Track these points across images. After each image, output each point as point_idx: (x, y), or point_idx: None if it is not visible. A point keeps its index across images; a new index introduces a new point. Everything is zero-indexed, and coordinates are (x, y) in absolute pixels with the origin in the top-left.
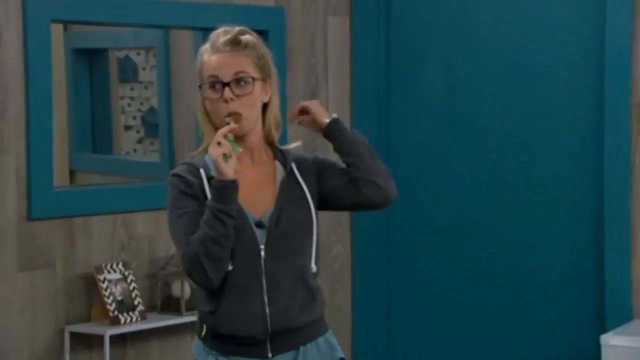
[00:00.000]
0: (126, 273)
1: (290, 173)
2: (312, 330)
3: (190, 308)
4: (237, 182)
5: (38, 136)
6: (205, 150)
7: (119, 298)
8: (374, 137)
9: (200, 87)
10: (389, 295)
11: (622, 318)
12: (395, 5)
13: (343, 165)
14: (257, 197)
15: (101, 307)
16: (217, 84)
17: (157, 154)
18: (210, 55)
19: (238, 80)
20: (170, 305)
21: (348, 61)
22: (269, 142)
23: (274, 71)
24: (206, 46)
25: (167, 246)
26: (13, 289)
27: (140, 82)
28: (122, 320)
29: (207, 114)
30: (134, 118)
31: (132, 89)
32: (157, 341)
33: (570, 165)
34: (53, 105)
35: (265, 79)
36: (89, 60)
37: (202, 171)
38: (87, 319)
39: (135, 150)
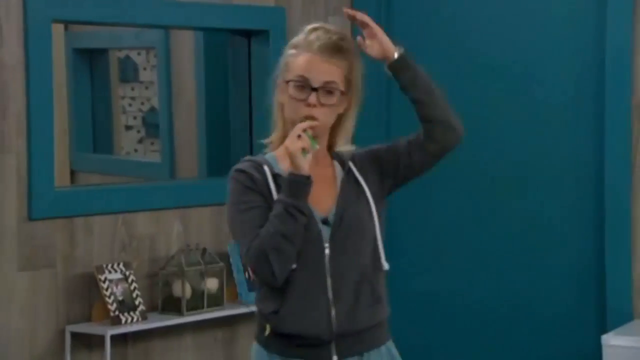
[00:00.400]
0: (127, 273)
1: (348, 172)
2: (376, 335)
3: (191, 308)
4: (311, 179)
5: (39, 136)
6: (281, 141)
7: (120, 298)
8: (374, 137)
9: (287, 82)
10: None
11: (622, 318)
12: (395, 6)
13: (389, 143)
14: (320, 196)
15: (102, 307)
16: (306, 86)
17: (157, 154)
18: (304, 53)
19: (326, 89)
20: (171, 305)
21: None
22: (330, 147)
23: (359, 86)
24: (299, 40)
25: (167, 246)
26: (14, 289)
27: (141, 82)
28: (123, 320)
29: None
30: (135, 118)
31: (132, 89)
32: (158, 341)
33: (570, 166)
34: (54, 105)
35: (348, 92)
36: (90, 60)
37: (266, 168)
38: (87, 319)
39: (136, 150)
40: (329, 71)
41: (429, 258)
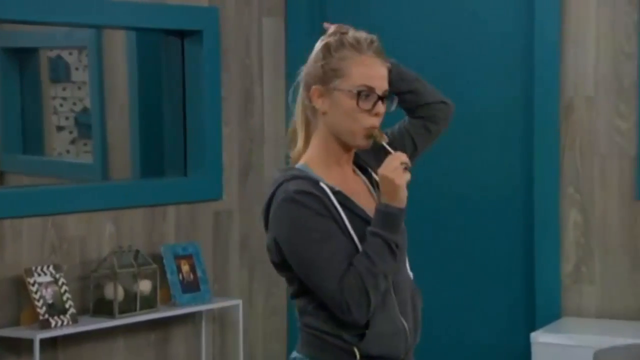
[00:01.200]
0: (57, 276)
1: (370, 177)
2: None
3: (123, 310)
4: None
5: None
6: (319, 153)
7: (50, 301)
8: None
9: (359, 93)
10: None
11: (551, 316)
12: (329, 7)
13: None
14: (371, 209)
15: (31, 311)
16: (371, 95)
17: (90, 155)
18: (357, 56)
19: (385, 97)
20: (102, 308)
21: (283, 62)
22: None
23: None
24: (340, 41)
25: (99, 248)
26: None
27: (73, 82)
28: (53, 323)
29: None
30: (67, 119)
31: (64, 89)
32: (89, 345)
33: (500, 168)
34: None
35: None
36: (19, 60)
37: (323, 185)
38: (16, 323)
39: (68, 152)
40: (386, 76)
41: None
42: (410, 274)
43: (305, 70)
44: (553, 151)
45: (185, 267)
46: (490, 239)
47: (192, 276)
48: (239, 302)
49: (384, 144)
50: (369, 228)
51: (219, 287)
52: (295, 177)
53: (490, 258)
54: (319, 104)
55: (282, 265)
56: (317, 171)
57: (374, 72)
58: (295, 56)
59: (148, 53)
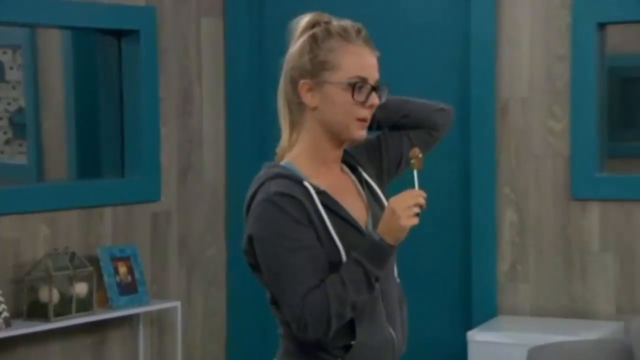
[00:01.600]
0: None
1: (360, 176)
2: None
3: (58, 313)
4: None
5: None
6: (307, 151)
7: None
8: (248, 138)
9: (354, 85)
10: (265, 298)
11: (487, 314)
12: (267, 6)
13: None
14: (359, 211)
15: None
16: (364, 86)
17: (25, 156)
18: (346, 45)
19: (377, 87)
20: (37, 311)
21: (222, 62)
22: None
23: None
24: (326, 32)
25: (33, 250)
26: None
27: (7, 82)
28: None
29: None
30: (1, 119)
31: None
32: (23, 349)
33: (437, 167)
34: None
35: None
36: None
37: (307, 184)
38: None
39: (2, 152)
40: (377, 66)
41: None
42: (398, 280)
43: (290, 65)
44: (489, 152)
45: (122, 269)
46: (427, 239)
47: (129, 278)
48: (178, 304)
49: (415, 172)
50: (354, 254)
51: (157, 289)
52: (277, 176)
53: (427, 257)
54: (308, 98)
55: (258, 267)
56: (302, 169)
57: (365, 62)
58: (234, 56)
59: (84, 52)
